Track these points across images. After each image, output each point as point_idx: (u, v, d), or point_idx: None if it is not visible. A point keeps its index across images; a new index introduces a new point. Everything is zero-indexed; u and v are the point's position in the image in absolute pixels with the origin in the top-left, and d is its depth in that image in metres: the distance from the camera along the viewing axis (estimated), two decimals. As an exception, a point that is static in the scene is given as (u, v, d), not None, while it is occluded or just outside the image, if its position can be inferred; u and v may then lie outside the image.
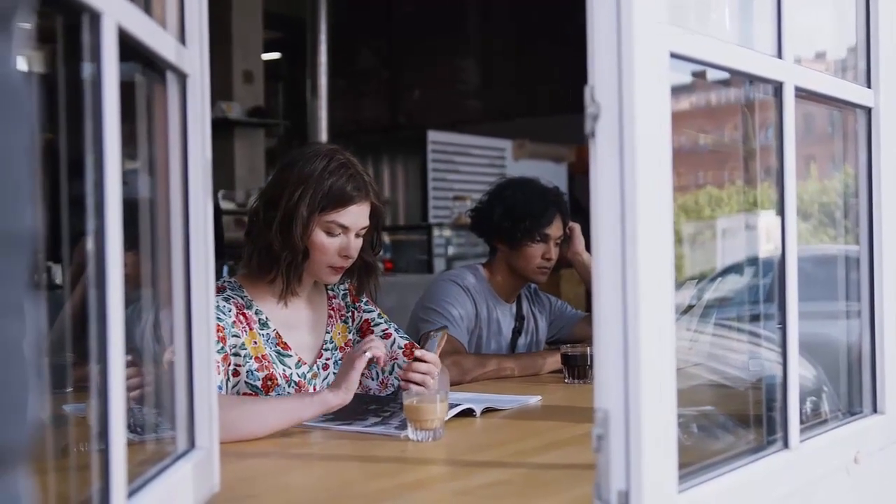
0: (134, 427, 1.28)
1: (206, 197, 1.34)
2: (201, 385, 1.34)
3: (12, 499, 0.55)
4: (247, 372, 2.09)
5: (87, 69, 0.99)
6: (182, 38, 1.30)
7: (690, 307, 2.19)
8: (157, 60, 1.21)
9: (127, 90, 1.05)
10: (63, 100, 1.01)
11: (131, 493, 1.06)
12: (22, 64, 0.59)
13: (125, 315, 1.02)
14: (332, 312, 2.31)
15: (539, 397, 2.30)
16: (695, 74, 1.42)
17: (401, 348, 2.28)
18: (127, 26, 1.03)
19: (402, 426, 1.87)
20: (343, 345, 2.30)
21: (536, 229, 2.90)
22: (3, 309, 0.54)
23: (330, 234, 2.13)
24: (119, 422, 0.99)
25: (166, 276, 1.33)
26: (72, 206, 1.02)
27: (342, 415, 2.00)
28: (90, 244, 0.97)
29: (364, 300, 2.36)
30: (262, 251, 2.13)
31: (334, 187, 2.10)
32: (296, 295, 2.21)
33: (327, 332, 2.28)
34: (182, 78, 1.30)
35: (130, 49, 1.08)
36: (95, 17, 0.96)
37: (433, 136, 7.71)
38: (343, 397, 1.89)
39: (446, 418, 1.88)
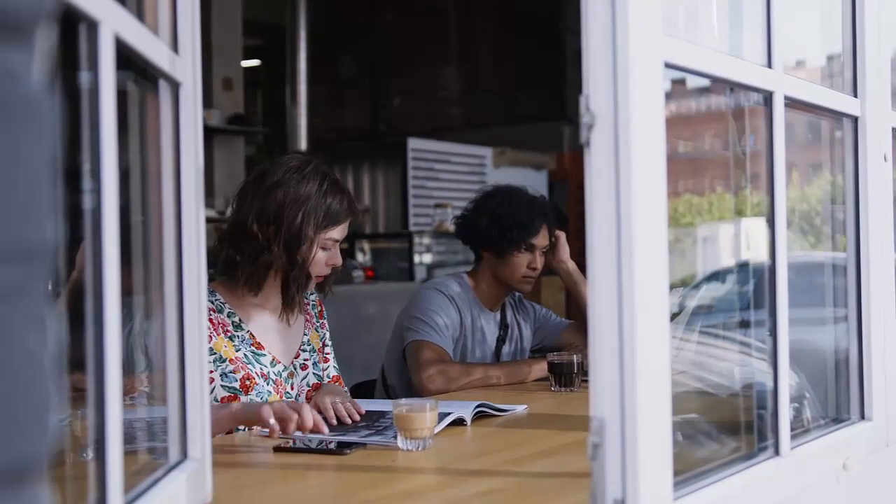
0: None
1: (198, 205, 1.34)
2: (194, 396, 1.33)
3: None
4: (221, 375, 2.14)
5: (83, 77, 0.98)
6: (175, 47, 1.30)
7: (675, 315, 2.20)
8: (150, 69, 1.21)
9: (118, 98, 1.04)
10: (58, 108, 1.00)
11: (127, 505, 1.05)
12: (43, 75, 0.58)
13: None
14: (308, 316, 2.38)
15: (525, 406, 2.30)
16: (674, 81, 1.42)
17: (329, 378, 2.36)
18: (123, 35, 1.03)
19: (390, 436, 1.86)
20: (318, 349, 2.38)
21: (523, 239, 2.89)
22: (24, 321, 0.54)
23: (325, 248, 2.23)
24: (116, 433, 0.98)
25: (156, 284, 1.32)
26: (65, 215, 1.01)
27: (335, 427, 1.99)
28: (87, 253, 0.97)
29: (323, 319, 2.45)
30: (262, 269, 2.19)
31: (332, 207, 2.21)
32: (297, 307, 2.29)
33: (305, 334, 2.35)
34: (175, 86, 1.30)
35: (124, 57, 1.07)
36: (93, 26, 0.96)
37: (413, 143, 7.70)
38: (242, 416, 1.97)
39: (439, 429, 1.88)
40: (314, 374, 2.34)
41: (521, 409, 2.28)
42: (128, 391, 1.22)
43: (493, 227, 2.90)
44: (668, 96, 1.44)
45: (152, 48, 1.17)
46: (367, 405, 2.20)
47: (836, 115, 1.76)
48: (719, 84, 1.53)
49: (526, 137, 8.25)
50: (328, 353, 2.43)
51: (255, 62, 10.13)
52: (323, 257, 2.23)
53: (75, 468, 1.30)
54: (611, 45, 1.13)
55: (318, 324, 2.42)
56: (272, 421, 1.84)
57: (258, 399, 2.16)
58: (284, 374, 2.25)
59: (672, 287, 2.19)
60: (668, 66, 1.21)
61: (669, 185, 1.20)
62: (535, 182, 7.14)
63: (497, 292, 3.01)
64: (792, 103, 1.53)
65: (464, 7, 9.37)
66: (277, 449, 1.83)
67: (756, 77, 1.45)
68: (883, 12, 1.79)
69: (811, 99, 1.63)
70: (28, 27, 0.55)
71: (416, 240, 7.22)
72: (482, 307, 3.00)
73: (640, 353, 1.12)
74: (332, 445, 1.83)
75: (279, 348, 2.27)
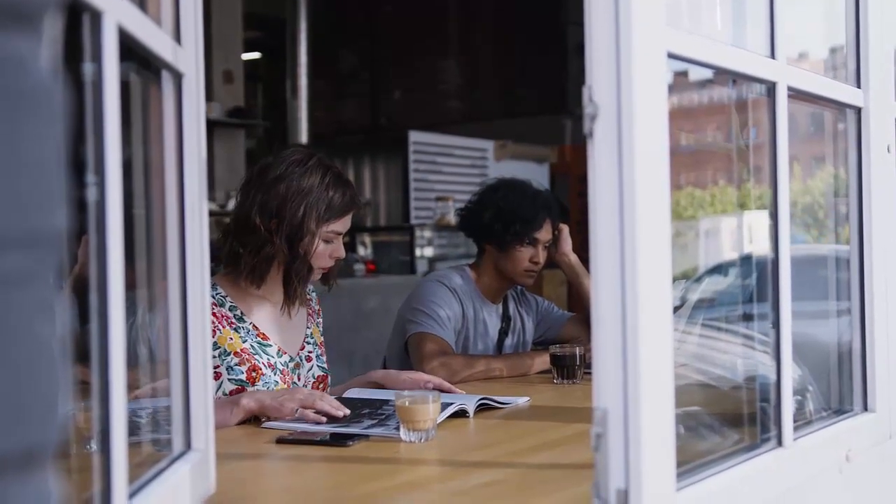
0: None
1: (201, 196, 1.34)
2: (197, 387, 1.33)
3: (44, 497, 0.55)
4: (227, 369, 2.15)
5: (87, 68, 0.98)
6: (178, 38, 1.30)
7: (677, 307, 2.20)
8: (153, 60, 1.20)
9: (122, 89, 1.04)
10: (66, 96, 1.00)
11: (131, 495, 1.05)
12: (52, 63, 0.58)
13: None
14: (310, 311, 2.41)
15: (528, 398, 2.30)
16: (677, 74, 1.42)
17: (314, 378, 2.36)
18: (127, 26, 1.02)
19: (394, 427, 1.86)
20: (319, 343, 2.40)
21: (526, 233, 2.89)
22: (33, 308, 0.54)
23: (327, 241, 2.24)
24: (120, 424, 0.98)
25: (159, 276, 1.32)
26: (69, 208, 1.01)
27: (337, 419, 1.99)
28: (91, 246, 0.97)
29: (320, 318, 2.47)
30: (264, 262, 2.20)
31: (335, 199, 2.21)
32: (298, 299, 2.30)
33: (308, 328, 2.37)
34: (178, 77, 1.29)
35: (127, 48, 1.07)
36: (96, 17, 0.95)
37: (415, 136, 7.69)
38: (256, 406, 2.00)
39: (441, 419, 1.88)
40: (318, 366, 2.36)
41: (522, 400, 2.28)
42: (132, 387, 1.22)
43: (496, 220, 2.90)
44: (671, 89, 1.44)
45: (155, 39, 1.17)
46: (368, 394, 2.21)
47: (840, 106, 1.76)
48: (722, 76, 1.53)
49: (527, 130, 8.25)
50: (322, 352, 2.44)
51: (255, 55, 10.13)
52: (326, 250, 2.24)
53: (79, 460, 1.30)
54: (614, 35, 1.13)
55: (318, 320, 2.44)
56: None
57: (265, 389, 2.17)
58: (291, 365, 2.27)
59: (674, 280, 2.19)
60: (671, 56, 1.21)
61: (672, 177, 1.20)
62: (536, 175, 7.14)
63: (499, 285, 3.01)
64: (795, 94, 1.53)
65: (464, 0, 9.36)
66: (280, 440, 1.83)
67: (759, 68, 1.45)
68: (886, 2, 1.78)
69: (814, 90, 1.63)
70: (36, 15, 0.55)
71: (418, 233, 7.23)
72: (484, 300, 3.00)
73: (643, 343, 1.12)
74: (334, 437, 1.84)
75: (284, 340, 2.29)
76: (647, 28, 1.14)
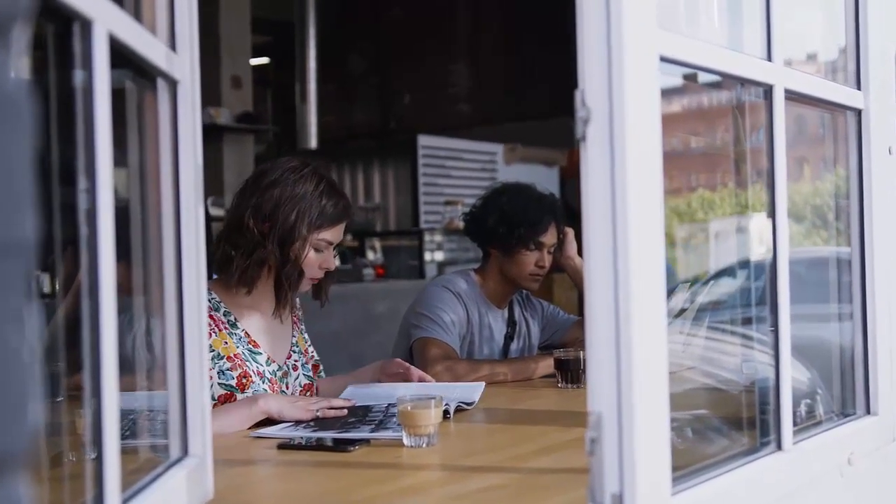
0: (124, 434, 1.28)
1: (197, 204, 1.34)
2: (194, 393, 1.33)
3: (14, 502, 0.55)
4: (219, 373, 2.17)
5: (77, 76, 0.98)
6: (172, 45, 1.30)
7: (683, 310, 2.19)
8: (147, 67, 1.21)
9: (116, 97, 1.04)
10: (53, 107, 1.01)
11: (125, 501, 1.05)
12: (20, 72, 0.59)
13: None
14: (295, 320, 2.43)
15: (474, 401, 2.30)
16: (685, 77, 1.42)
17: (300, 387, 2.37)
18: (118, 33, 1.03)
19: (400, 429, 1.85)
20: (304, 351, 2.42)
21: (531, 237, 2.89)
22: (3, 316, 0.54)
23: (317, 250, 2.26)
24: (113, 430, 0.99)
25: (157, 284, 1.33)
26: (62, 215, 1.01)
27: (328, 427, 1.99)
28: (83, 253, 0.97)
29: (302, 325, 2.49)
30: (255, 265, 2.21)
31: (328, 207, 2.24)
32: (289, 305, 2.32)
33: (293, 336, 2.40)
34: (173, 84, 1.30)
35: (120, 56, 1.07)
36: (86, 25, 0.96)
37: (424, 140, 7.70)
38: (275, 410, 2.04)
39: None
40: (304, 375, 2.39)
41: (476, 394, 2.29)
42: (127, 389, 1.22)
43: (501, 224, 2.90)
44: (681, 92, 1.44)
45: (148, 46, 1.17)
46: (362, 394, 2.25)
47: (840, 109, 1.75)
48: (729, 79, 1.52)
49: (537, 134, 8.24)
50: (312, 356, 2.46)
51: (264, 60, 10.14)
52: (316, 259, 2.25)
53: (81, 467, 1.30)
54: (605, 39, 1.13)
55: (302, 327, 2.46)
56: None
57: None
58: (279, 374, 2.29)
59: (683, 283, 2.18)
60: (664, 60, 1.21)
61: (682, 179, 1.20)
62: (546, 178, 7.14)
63: (504, 290, 3.01)
64: (794, 97, 1.53)
65: (472, 3, 9.36)
66: (282, 446, 1.83)
67: (755, 70, 1.44)
68: (886, 3, 1.78)
69: (812, 92, 1.62)
70: (4, 25, 0.56)
71: (427, 237, 7.23)
72: (490, 304, 2.99)
73: (637, 346, 1.12)
74: (337, 442, 1.84)
75: (272, 348, 2.31)
76: (639, 31, 1.14)
